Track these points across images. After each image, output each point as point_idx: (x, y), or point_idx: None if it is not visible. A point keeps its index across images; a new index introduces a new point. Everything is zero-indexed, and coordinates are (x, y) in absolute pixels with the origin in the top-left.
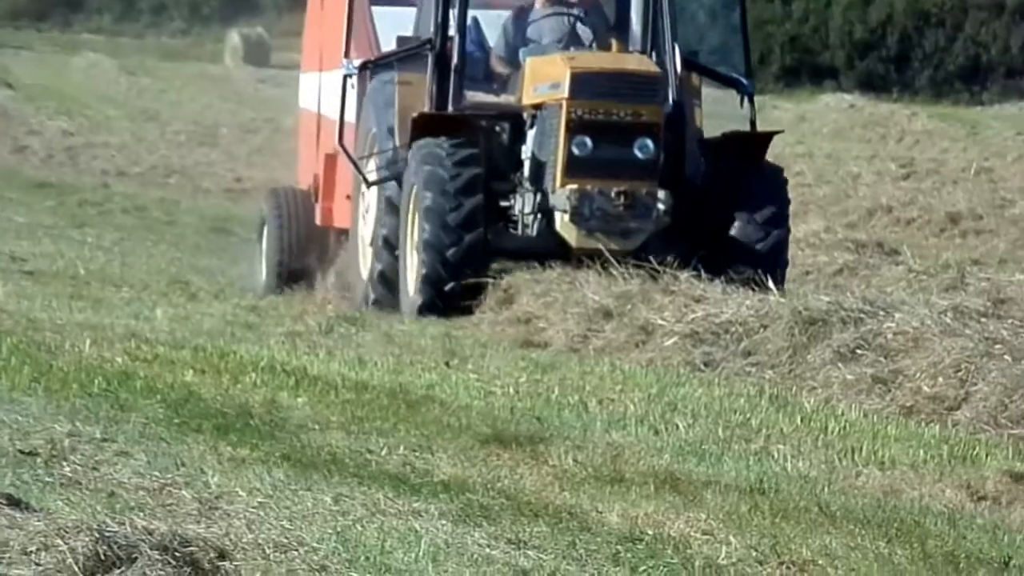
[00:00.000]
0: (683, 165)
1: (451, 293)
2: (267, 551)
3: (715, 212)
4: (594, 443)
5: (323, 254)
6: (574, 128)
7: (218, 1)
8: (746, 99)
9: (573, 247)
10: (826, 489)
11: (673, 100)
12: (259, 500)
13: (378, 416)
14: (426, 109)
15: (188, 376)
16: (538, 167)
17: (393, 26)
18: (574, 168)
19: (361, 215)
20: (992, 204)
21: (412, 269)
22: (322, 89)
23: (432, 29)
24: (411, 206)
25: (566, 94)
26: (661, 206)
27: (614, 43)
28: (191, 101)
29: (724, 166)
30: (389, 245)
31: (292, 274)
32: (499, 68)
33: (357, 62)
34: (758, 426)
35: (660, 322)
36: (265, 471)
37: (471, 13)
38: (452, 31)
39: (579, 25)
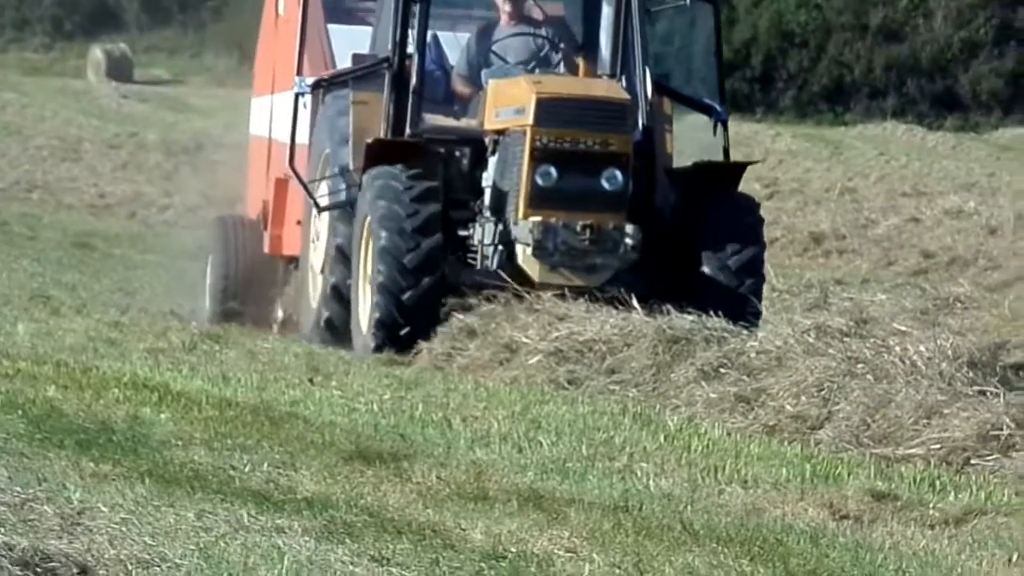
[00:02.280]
0: (653, 196)
1: (405, 337)
2: (129, 567)
3: (684, 247)
4: (458, 460)
5: (271, 284)
6: (539, 157)
7: (81, 16)
8: (719, 126)
9: (535, 282)
10: (689, 507)
11: (643, 126)
12: (121, 516)
13: (241, 433)
14: (383, 131)
15: (50, 391)
16: (499, 196)
17: (350, 44)
18: (538, 199)
19: (311, 241)
20: (855, 224)
21: (365, 306)
22: (274, 113)
23: (389, 47)
24: (364, 239)
25: (531, 120)
26: (629, 241)
27: (582, 65)
28: (54, 116)
29: (694, 198)
30: (343, 255)
31: (237, 305)
32: (461, 88)
33: (310, 80)
34: (622, 444)
35: (524, 340)
36: (127, 487)
37: (431, 31)
38: (411, 49)
39: (546, 46)
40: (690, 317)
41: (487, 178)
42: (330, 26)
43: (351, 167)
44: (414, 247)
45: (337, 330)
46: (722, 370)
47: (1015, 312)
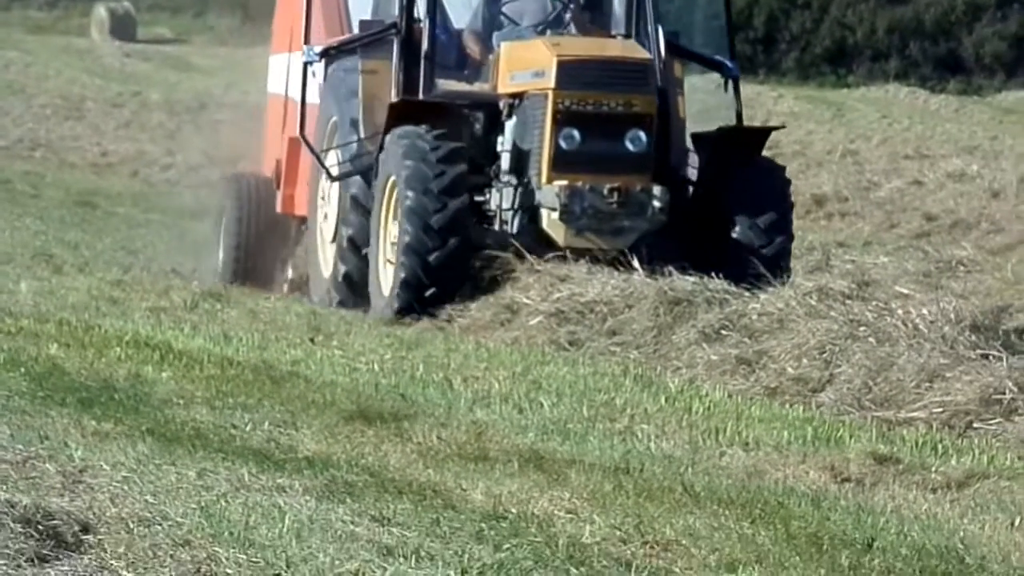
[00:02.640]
0: (668, 157)
1: (430, 298)
2: (131, 525)
3: (710, 211)
4: (458, 421)
5: (283, 243)
6: (561, 120)
7: None
8: (731, 83)
9: (561, 246)
10: (690, 469)
11: (657, 87)
12: (123, 474)
13: (243, 392)
14: (393, 96)
15: (52, 349)
16: (519, 160)
17: (364, 5)
18: (562, 163)
19: (321, 209)
20: (857, 186)
21: (387, 269)
22: (291, 72)
23: (396, 11)
24: (387, 199)
25: (552, 83)
26: (657, 203)
27: (591, 27)
28: (57, 75)
29: (719, 163)
30: (355, 246)
31: (250, 264)
32: (472, 49)
33: (318, 48)
34: (623, 406)
35: (525, 301)
36: (129, 445)
37: None
38: (419, 13)
39: (558, 5)
40: (691, 278)
41: (504, 142)
42: None
43: (362, 136)
44: (441, 207)
45: (356, 285)
46: (723, 332)
47: (1018, 275)
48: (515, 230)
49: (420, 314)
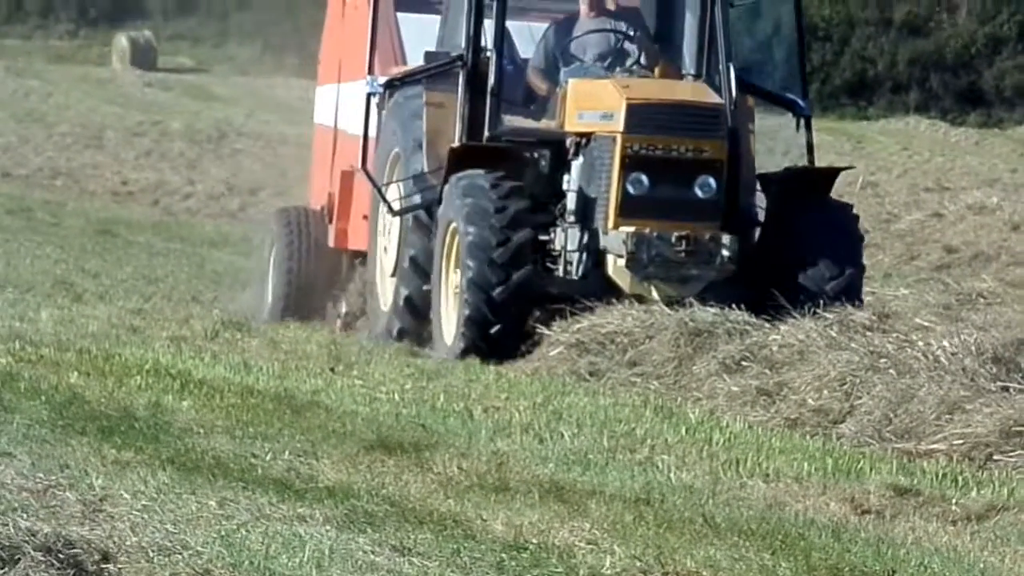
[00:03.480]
0: (738, 199)
1: (496, 336)
2: (151, 554)
3: (779, 254)
4: (479, 451)
5: (335, 279)
6: (630, 164)
7: (105, 3)
8: (802, 122)
9: (627, 293)
10: (711, 500)
11: (728, 131)
12: (143, 503)
13: (263, 421)
14: (457, 133)
15: (73, 378)
16: (585, 203)
17: (420, 35)
18: (630, 208)
19: (381, 243)
20: (878, 219)
21: (449, 315)
22: (340, 103)
23: (463, 43)
24: (448, 242)
25: (621, 127)
26: (726, 252)
27: (659, 65)
28: (78, 103)
29: (787, 204)
30: (418, 267)
31: (301, 299)
32: (537, 86)
33: (382, 79)
34: (643, 436)
35: (546, 332)
36: (149, 474)
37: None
38: (485, 45)
39: (625, 41)
40: (712, 310)
41: (570, 182)
42: (399, 15)
43: (425, 169)
44: (504, 240)
45: (418, 310)
46: (744, 363)
47: None
48: (579, 274)
49: (487, 356)
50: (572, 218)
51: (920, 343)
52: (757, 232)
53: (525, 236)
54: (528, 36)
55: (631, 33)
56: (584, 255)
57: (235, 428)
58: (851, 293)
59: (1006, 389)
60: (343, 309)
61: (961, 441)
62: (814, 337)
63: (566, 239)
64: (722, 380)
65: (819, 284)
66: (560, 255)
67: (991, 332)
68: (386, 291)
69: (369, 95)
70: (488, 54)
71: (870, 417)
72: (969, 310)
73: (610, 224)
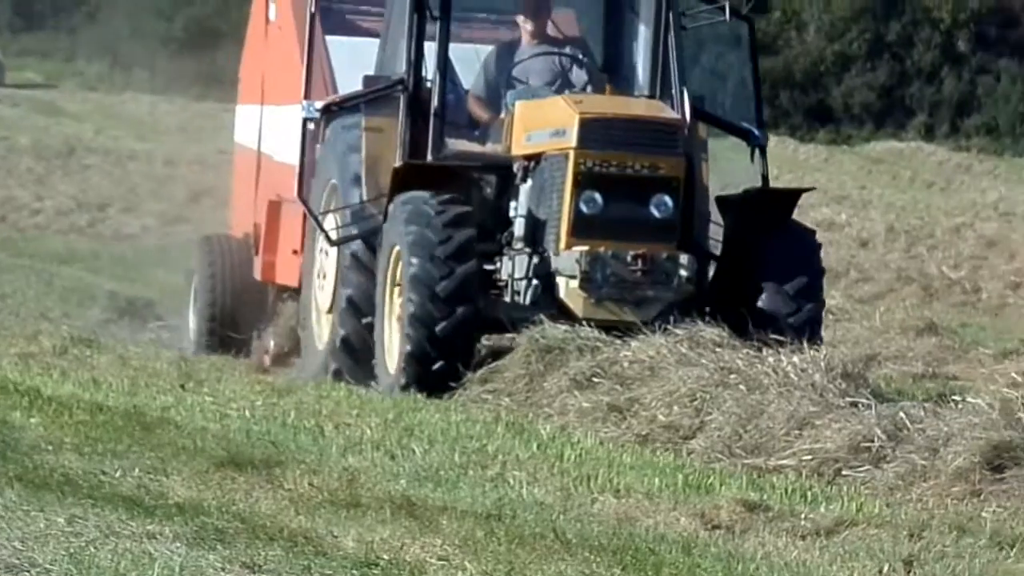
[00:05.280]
0: (692, 226)
1: (439, 372)
2: None
3: (737, 280)
4: (330, 467)
5: (261, 313)
6: (583, 182)
7: None
8: (757, 151)
9: (579, 317)
10: (562, 516)
11: (685, 148)
12: None
13: (112, 438)
14: (398, 159)
15: None
16: (535, 227)
17: (351, 59)
18: (582, 228)
19: (316, 278)
20: None
21: (392, 343)
22: (264, 125)
23: (403, 67)
24: (391, 270)
25: (574, 143)
26: (684, 272)
27: (607, 88)
28: None
29: (746, 228)
30: (355, 308)
31: (224, 334)
32: (478, 111)
33: (319, 104)
34: (494, 452)
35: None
36: None
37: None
38: (427, 70)
39: (571, 66)
40: (563, 327)
41: (518, 207)
42: (328, 38)
43: (364, 198)
44: (447, 274)
45: (355, 352)
46: (595, 379)
47: (886, 324)
48: (528, 301)
49: (429, 390)
50: (520, 245)
51: (770, 359)
52: (712, 266)
53: (470, 268)
54: (474, 58)
55: (578, 57)
56: (534, 281)
57: (84, 445)
58: (811, 328)
59: (855, 405)
60: (271, 346)
61: (810, 456)
62: (664, 353)
63: (513, 267)
64: (573, 396)
65: (778, 317)
66: (507, 284)
67: (840, 348)
68: (322, 329)
69: (305, 120)
70: (430, 77)
71: (720, 433)
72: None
73: (562, 245)
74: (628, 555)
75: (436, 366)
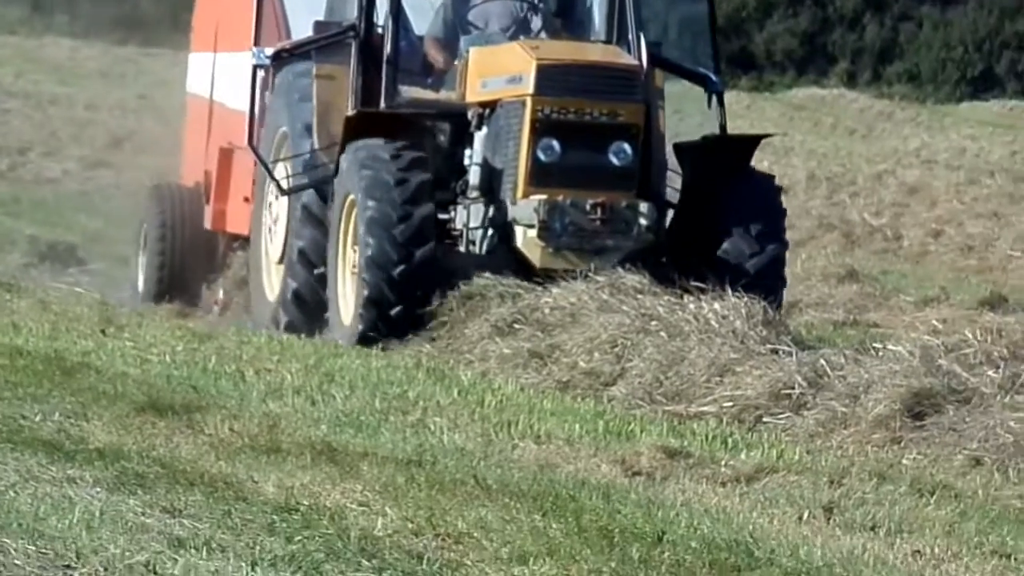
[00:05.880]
0: (649, 174)
1: (396, 317)
2: None
3: (696, 228)
4: (251, 413)
5: (211, 262)
6: (540, 129)
7: None
8: (715, 98)
9: (536, 266)
10: (482, 462)
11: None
12: None
13: (32, 382)
14: (350, 106)
15: None
16: (490, 175)
17: (303, 5)
18: (540, 176)
19: (267, 227)
20: None
21: (347, 290)
22: (216, 73)
23: (355, 13)
24: (346, 220)
25: (531, 89)
26: (644, 220)
27: (562, 35)
28: None
29: (705, 174)
30: (306, 260)
31: (174, 283)
32: (435, 56)
33: (269, 51)
34: (415, 398)
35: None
36: None
37: None
38: (380, 16)
39: (527, 11)
40: (486, 273)
41: (473, 155)
42: None
43: (316, 147)
44: (405, 216)
45: (306, 305)
46: (516, 326)
47: (808, 271)
48: (484, 250)
49: (388, 336)
50: (475, 194)
51: (691, 306)
52: (670, 215)
53: (427, 211)
54: (425, 11)
55: (534, 2)
56: (489, 231)
57: (4, 389)
58: (773, 270)
59: (775, 352)
60: (220, 295)
61: (731, 403)
62: (585, 300)
63: (468, 216)
64: (494, 343)
65: (740, 260)
66: (462, 234)
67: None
68: (272, 279)
69: (255, 68)
70: (382, 23)
71: (641, 379)
72: None
73: (519, 193)
74: (548, 501)
75: (394, 311)
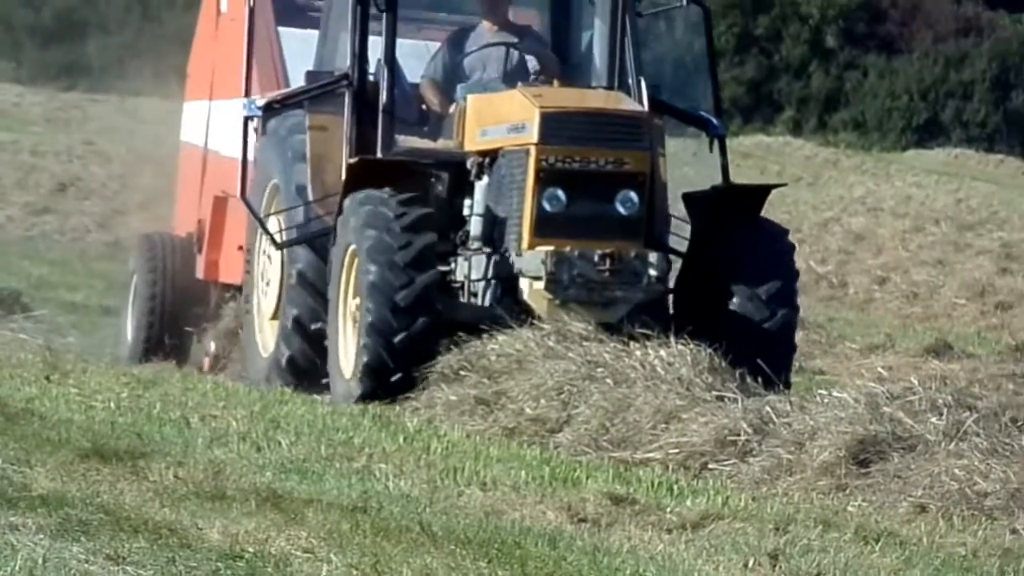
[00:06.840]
0: (654, 224)
1: (396, 383)
2: None
3: (704, 280)
4: (195, 459)
5: (203, 314)
6: (545, 179)
7: None
8: (716, 142)
9: (544, 319)
10: (428, 509)
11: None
12: None
13: None
14: (346, 156)
15: None
16: (493, 226)
17: (305, 52)
18: (546, 226)
19: (260, 280)
20: None
21: (346, 348)
22: (211, 121)
23: (348, 60)
24: (346, 271)
25: (535, 138)
26: (653, 271)
27: (555, 81)
28: None
29: (714, 225)
30: (301, 327)
31: (164, 336)
32: (431, 100)
33: (260, 101)
34: (361, 445)
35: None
36: None
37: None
38: (372, 64)
39: (526, 57)
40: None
41: (474, 205)
42: (281, 30)
43: (311, 199)
44: (407, 283)
45: (302, 371)
46: (462, 372)
47: None
48: (486, 302)
49: (384, 399)
50: (476, 244)
51: (637, 352)
52: (673, 261)
53: (431, 277)
54: (424, 53)
55: (536, 50)
56: (492, 282)
57: None
58: (784, 336)
59: (721, 399)
60: (212, 348)
61: (677, 450)
62: (532, 347)
63: (469, 268)
64: (440, 389)
65: (749, 323)
66: (462, 286)
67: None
68: (265, 335)
69: (246, 119)
70: (376, 71)
71: (587, 426)
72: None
73: (524, 245)
74: (494, 548)
75: (394, 378)
